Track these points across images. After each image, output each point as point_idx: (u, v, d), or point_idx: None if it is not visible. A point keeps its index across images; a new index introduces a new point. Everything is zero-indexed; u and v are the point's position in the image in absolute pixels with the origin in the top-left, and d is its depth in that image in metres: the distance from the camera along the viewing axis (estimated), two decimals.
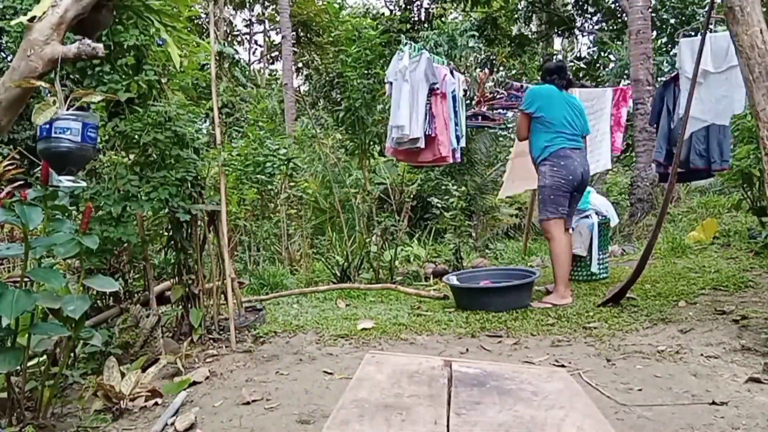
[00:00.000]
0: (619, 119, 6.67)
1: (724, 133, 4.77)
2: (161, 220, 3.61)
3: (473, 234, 8.46)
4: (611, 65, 13.23)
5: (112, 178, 3.18)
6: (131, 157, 3.31)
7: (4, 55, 9.59)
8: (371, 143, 6.13)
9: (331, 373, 2.88)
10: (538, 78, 5.85)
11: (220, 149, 3.50)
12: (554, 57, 16.17)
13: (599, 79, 12.43)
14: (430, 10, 16.29)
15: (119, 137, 3.21)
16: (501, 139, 12.67)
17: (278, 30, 17.18)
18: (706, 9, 4.35)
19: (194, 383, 2.81)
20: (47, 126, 2.34)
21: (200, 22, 14.44)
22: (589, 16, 15.04)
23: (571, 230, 4.72)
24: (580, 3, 14.42)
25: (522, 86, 5.13)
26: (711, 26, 3.91)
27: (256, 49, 23.81)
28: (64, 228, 2.33)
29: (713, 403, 2.30)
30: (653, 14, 10.35)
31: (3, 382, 2.33)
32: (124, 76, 3.12)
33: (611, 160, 6.53)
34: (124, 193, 3.09)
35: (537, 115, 4.24)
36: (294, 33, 17.26)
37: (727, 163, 4.86)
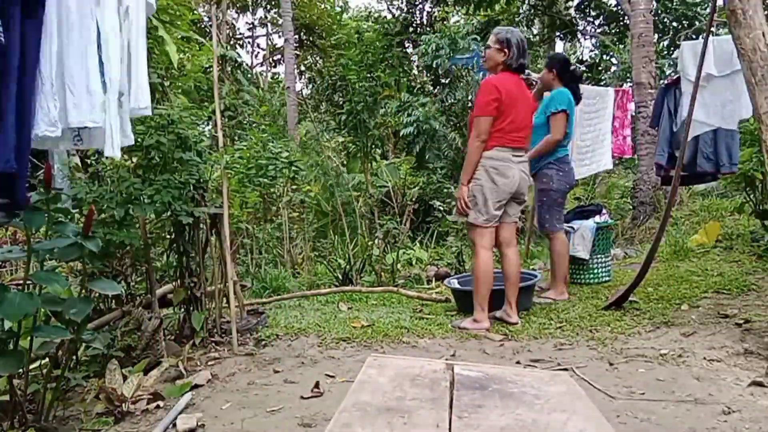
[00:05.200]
0: (624, 121, 6.68)
1: (733, 137, 4.75)
2: (164, 222, 3.61)
3: None
4: (613, 68, 13.23)
5: (114, 181, 3.18)
6: (134, 160, 3.31)
7: None
8: (373, 146, 6.14)
9: (332, 376, 2.88)
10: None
11: (222, 152, 3.51)
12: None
13: (601, 83, 12.43)
14: (432, 13, 16.31)
15: None
16: None
17: (281, 33, 17.23)
18: (709, 12, 4.35)
19: (196, 386, 2.81)
20: None
21: (203, 26, 14.49)
22: (591, 19, 15.04)
23: (570, 231, 4.73)
24: (582, 6, 14.43)
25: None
26: (713, 29, 3.91)
27: (258, 52, 23.87)
28: (67, 231, 2.34)
29: (716, 406, 2.29)
30: (655, 17, 10.36)
31: (5, 385, 2.33)
32: None
33: (612, 161, 6.53)
34: (127, 196, 3.10)
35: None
36: (296, 36, 17.30)
37: (736, 167, 4.84)
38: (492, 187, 3.56)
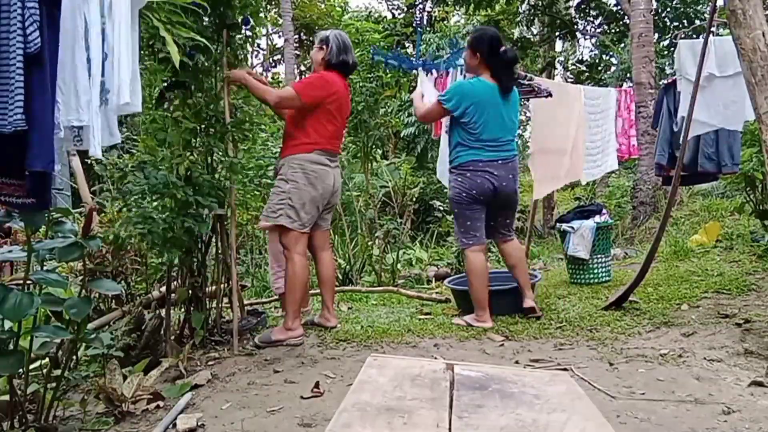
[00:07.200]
0: (630, 121, 6.67)
1: (734, 136, 4.75)
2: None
3: None
4: (613, 68, 13.23)
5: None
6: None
7: None
8: (374, 146, 6.14)
9: (332, 377, 2.88)
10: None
11: (226, 153, 3.49)
12: (555, 59, 16.16)
13: (601, 82, 12.45)
14: (432, 13, 16.32)
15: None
16: None
17: (281, 33, 17.21)
18: (709, 12, 4.34)
19: (196, 386, 2.81)
20: None
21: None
22: (591, 19, 15.05)
23: (570, 231, 4.73)
24: (582, 6, 14.44)
25: (527, 75, 4.88)
26: (713, 29, 3.90)
27: (258, 52, 23.84)
28: (66, 230, 2.33)
29: (716, 406, 2.29)
30: (655, 17, 10.35)
31: (5, 385, 2.33)
32: None
33: (617, 161, 6.51)
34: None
35: (462, 119, 3.56)
36: (297, 36, 17.29)
37: (738, 167, 4.84)
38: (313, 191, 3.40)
